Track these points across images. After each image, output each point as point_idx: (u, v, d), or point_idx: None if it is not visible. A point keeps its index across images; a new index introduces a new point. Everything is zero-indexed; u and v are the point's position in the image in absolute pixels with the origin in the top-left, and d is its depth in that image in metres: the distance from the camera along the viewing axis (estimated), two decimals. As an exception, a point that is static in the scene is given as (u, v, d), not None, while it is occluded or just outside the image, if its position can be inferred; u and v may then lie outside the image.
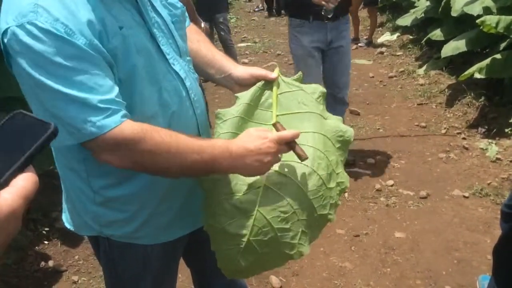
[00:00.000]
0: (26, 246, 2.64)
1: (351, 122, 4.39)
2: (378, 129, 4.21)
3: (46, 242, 2.73)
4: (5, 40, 0.95)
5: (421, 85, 5.11)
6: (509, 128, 3.63)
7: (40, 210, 2.91)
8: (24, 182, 0.52)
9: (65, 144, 1.02)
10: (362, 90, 5.29)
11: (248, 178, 1.10)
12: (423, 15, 5.73)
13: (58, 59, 0.93)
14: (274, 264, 1.18)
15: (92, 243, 1.34)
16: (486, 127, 3.90)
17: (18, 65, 0.95)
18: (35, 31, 0.92)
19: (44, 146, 0.55)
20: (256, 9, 10.68)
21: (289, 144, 1.06)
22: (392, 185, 3.23)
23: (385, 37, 7.30)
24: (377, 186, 3.22)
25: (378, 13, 8.15)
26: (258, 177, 1.10)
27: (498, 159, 3.44)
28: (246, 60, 6.69)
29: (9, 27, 0.93)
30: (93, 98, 0.96)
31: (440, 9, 4.90)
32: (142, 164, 1.04)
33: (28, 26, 0.92)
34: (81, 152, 1.08)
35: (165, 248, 1.27)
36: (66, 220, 1.32)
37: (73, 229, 1.29)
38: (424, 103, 4.65)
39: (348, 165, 3.53)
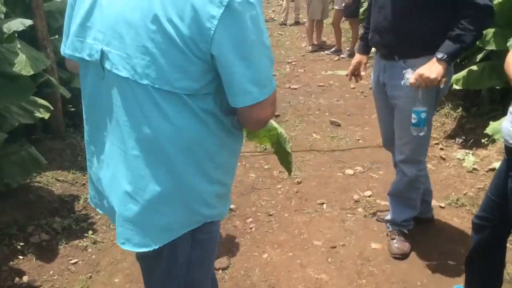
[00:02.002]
0: (0, 261, 2.60)
1: (332, 133, 4.43)
2: (358, 139, 4.25)
3: (21, 257, 2.69)
4: (238, 1, 1.04)
5: (401, 96, 5.17)
6: (486, 139, 3.69)
7: (15, 224, 2.87)
8: None
9: (254, 101, 1.13)
10: (343, 101, 5.34)
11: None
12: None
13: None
14: None
15: (157, 257, 1.27)
16: (464, 137, 3.96)
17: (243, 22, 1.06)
18: None
19: None
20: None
21: None
22: (370, 196, 3.26)
23: (367, 48, 7.38)
24: (355, 197, 3.24)
25: (361, 25, 8.27)
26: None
27: (474, 169, 3.49)
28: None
29: None
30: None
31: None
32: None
33: None
34: (224, 123, 1.21)
35: None
36: (148, 234, 1.23)
37: (155, 246, 1.23)
38: (404, 114, 4.71)
39: (326, 177, 3.56)
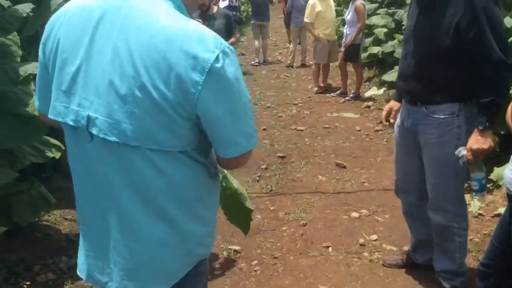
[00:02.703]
0: (6, 301, 2.60)
1: (337, 175, 4.46)
2: (363, 182, 4.27)
3: (26, 296, 2.70)
4: (218, 65, 1.11)
5: (406, 139, 5.22)
6: (491, 184, 3.70)
7: (22, 263, 2.89)
8: None
9: (244, 151, 1.22)
10: (349, 143, 5.39)
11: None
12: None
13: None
14: None
15: None
16: (469, 182, 3.96)
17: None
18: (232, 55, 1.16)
19: None
20: (253, 63, 10.89)
21: None
22: (376, 240, 3.25)
23: (372, 91, 7.50)
24: (361, 240, 3.24)
25: (365, 68, 8.43)
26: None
27: (480, 214, 3.49)
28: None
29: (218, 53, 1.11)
30: None
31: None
32: None
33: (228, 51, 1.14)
34: (210, 169, 1.29)
35: None
36: (154, 280, 1.28)
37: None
38: (409, 157, 4.74)
39: (332, 219, 3.57)
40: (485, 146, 2.16)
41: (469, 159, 2.20)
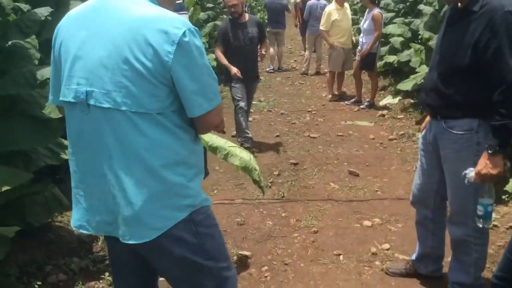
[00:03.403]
0: (17, 300, 2.63)
1: (350, 183, 4.43)
2: (377, 191, 4.24)
3: (37, 296, 2.72)
4: (185, 39, 1.41)
5: (421, 148, 5.17)
6: (506, 195, 3.65)
7: (34, 263, 2.92)
8: None
9: (206, 111, 1.50)
10: (362, 151, 5.36)
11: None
12: (423, 80, 5.88)
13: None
14: None
15: (162, 244, 1.54)
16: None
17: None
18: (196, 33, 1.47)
19: None
20: (268, 69, 10.91)
21: None
22: (388, 249, 3.22)
23: (387, 100, 7.46)
24: (373, 249, 3.21)
25: (381, 76, 8.39)
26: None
27: (495, 225, 3.43)
28: (250, 119, 6.82)
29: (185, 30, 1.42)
30: None
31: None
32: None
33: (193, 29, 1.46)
34: (189, 132, 1.55)
35: None
36: (149, 226, 1.50)
37: (158, 233, 1.50)
38: (423, 167, 4.69)
39: (343, 227, 3.54)
40: (494, 172, 2.09)
41: (475, 180, 2.14)
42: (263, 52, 5.53)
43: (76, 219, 1.62)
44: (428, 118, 2.65)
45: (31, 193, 3.05)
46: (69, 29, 1.53)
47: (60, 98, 1.54)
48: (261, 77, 6.15)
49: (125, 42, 1.40)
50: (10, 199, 2.79)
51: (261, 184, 2.43)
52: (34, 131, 2.92)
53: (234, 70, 5.13)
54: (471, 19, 2.18)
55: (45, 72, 2.82)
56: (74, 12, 1.57)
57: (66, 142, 3.38)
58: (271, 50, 10.64)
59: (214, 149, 2.60)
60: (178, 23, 1.42)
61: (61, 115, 3.26)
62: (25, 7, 3.34)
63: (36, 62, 2.96)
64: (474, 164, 2.20)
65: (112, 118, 1.44)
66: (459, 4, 2.30)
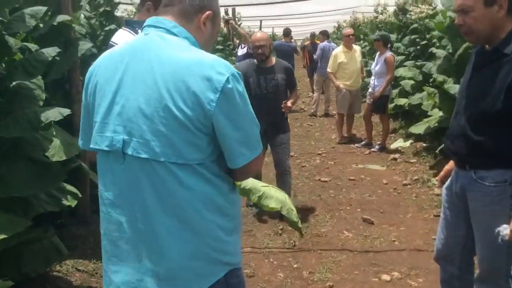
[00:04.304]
0: None
1: (365, 231, 4.21)
2: (394, 241, 4.01)
3: None
4: (229, 86, 1.33)
5: (437, 195, 4.97)
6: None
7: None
8: None
9: (248, 161, 1.41)
10: (376, 197, 5.16)
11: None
12: (436, 124, 5.75)
13: None
14: None
15: None
16: None
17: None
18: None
19: None
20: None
21: None
22: (409, 307, 2.98)
23: (398, 143, 7.31)
24: (393, 307, 2.98)
25: (391, 119, 8.27)
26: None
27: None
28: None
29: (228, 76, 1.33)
30: None
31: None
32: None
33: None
34: (229, 182, 1.46)
35: None
36: (184, 285, 1.40)
37: None
38: (441, 215, 4.48)
39: (361, 282, 3.31)
40: None
41: (510, 238, 1.96)
42: (288, 104, 4.36)
43: (106, 283, 1.52)
44: (449, 166, 2.48)
45: (29, 240, 2.88)
46: (105, 71, 1.44)
47: (91, 146, 1.47)
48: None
49: (165, 88, 1.31)
50: (6, 247, 2.62)
51: (299, 225, 2.25)
52: (36, 175, 2.78)
53: None
54: (503, 62, 2.04)
55: (49, 114, 2.71)
56: (111, 52, 1.49)
57: (68, 187, 3.24)
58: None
59: (247, 192, 2.41)
60: (222, 68, 1.34)
61: (65, 158, 3.19)
62: (33, 47, 3.27)
63: (41, 103, 2.85)
64: (509, 220, 2.02)
65: (149, 169, 1.35)
66: (487, 46, 2.17)
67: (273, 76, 4.38)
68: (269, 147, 4.54)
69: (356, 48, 7.72)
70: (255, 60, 4.47)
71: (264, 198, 2.13)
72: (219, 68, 1.33)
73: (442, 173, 2.50)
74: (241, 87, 1.36)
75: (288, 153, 4.67)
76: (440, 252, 2.50)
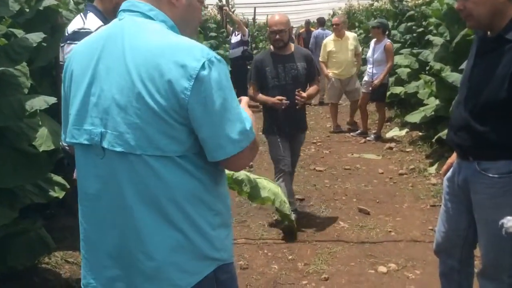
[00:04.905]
0: None
1: (360, 222, 4.15)
2: (390, 231, 3.95)
3: None
4: (204, 72, 1.22)
5: (434, 184, 4.91)
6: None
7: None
8: None
9: (228, 155, 1.28)
10: (372, 186, 5.09)
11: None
12: (433, 113, 5.67)
13: None
14: None
15: None
16: None
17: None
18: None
19: None
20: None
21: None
22: (406, 300, 2.93)
23: (394, 132, 7.24)
24: (390, 300, 2.92)
25: (386, 108, 8.16)
26: None
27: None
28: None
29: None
30: None
31: (450, 108, 4.83)
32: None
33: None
34: (214, 175, 1.36)
35: None
36: (171, 282, 1.32)
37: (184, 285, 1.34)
38: (438, 205, 4.39)
39: (357, 274, 3.25)
40: None
41: None
42: (303, 94, 3.83)
43: (83, 276, 1.45)
44: (451, 159, 2.40)
45: (15, 233, 2.78)
46: (81, 60, 1.36)
47: (67, 140, 1.40)
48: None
49: (138, 76, 1.22)
50: (-9, 240, 2.53)
51: (292, 218, 2.17)
52: (21, 166, 2.67)
53: (273, 99, 3.80)
54: (506, 48, 1.96)
55: (35, 103, 2.59)
56: (87, 40, 1.41)
57: (55, 178, 3.14)
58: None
59: (240, 183, 2.31)
60: (198, 53, 1.23)
61: (53, 147, 3.08)
62: (19, 32, 3.14)
63: (26, 91, 2.73)
64: None
65: (126, 163, 1.27)
66: (489, 32, 2.08)
67: (293, 65, 3.88)
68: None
69: (350, 35, 7.52)
70: (271, 47, 4.01)
71: (257, 190, 2.05)
72: (194, 53, 1.23)
73: (445, 167, 2.41)
74: (221, 72, 1.25)
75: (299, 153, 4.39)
76: (440, 245, 2.43)
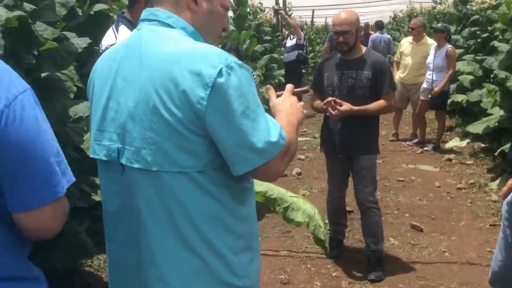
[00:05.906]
0: None
1: (412, 239, 3.92)
2: (444, 251, 3.70)
3: None
4: (221, 80, 1.13)
5: (495, 201, 4.57)
6: None
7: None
8: None
9: (253, 166, 1.19)
10: (427, 201, 4.82)
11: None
12: (496, 124, 5.30)
13: None
14: None
15: None
16: None
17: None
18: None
19: None
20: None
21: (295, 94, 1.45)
22: (458, 330, 2.70)
23: (454, 142, 6.85)
24: (440, 329, 2.70)
25: (447, 116, 7.74)
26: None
27: None
28: (302, 156, 6.44)
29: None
30: None
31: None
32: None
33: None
34: (237, 193, 1.26)
35: None
36: None
37: None
38: (498, 224, 4.08)
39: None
40: None
41: None
42: (340, 107, 3.11)
43: None
44: None
45: (62, 233, 2.81)
46: (101, 73, 1.33)
47: (90, 155, 1.37)
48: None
49: (153, 87, 1.16)
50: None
51: (325, 245, 2.06)
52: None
53: (320, 104, 3.23)
54: None
55: (79, 109, 2.61)
56: (107, 53, 1.37)
57: (98, 182, 3.16)
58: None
59: (273, 202, 2.23)
60: (215, 59, 1.15)
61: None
62: (73, 36, 3.18)
63: (72, 95, 2.75)
64: None
65: (144, 180, 1.21)
66: None
67: (352, 73, 3.17)
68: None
69: (428, 42, 6.89)
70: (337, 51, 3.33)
71: (290, 210, 1.93)
72: (211, 60, 1.15)
73: (505, 189, 2.20)
74: (242, 78, 1.16)
75: (370, 183, 3.36)
76: (496, 275, 2.22)
